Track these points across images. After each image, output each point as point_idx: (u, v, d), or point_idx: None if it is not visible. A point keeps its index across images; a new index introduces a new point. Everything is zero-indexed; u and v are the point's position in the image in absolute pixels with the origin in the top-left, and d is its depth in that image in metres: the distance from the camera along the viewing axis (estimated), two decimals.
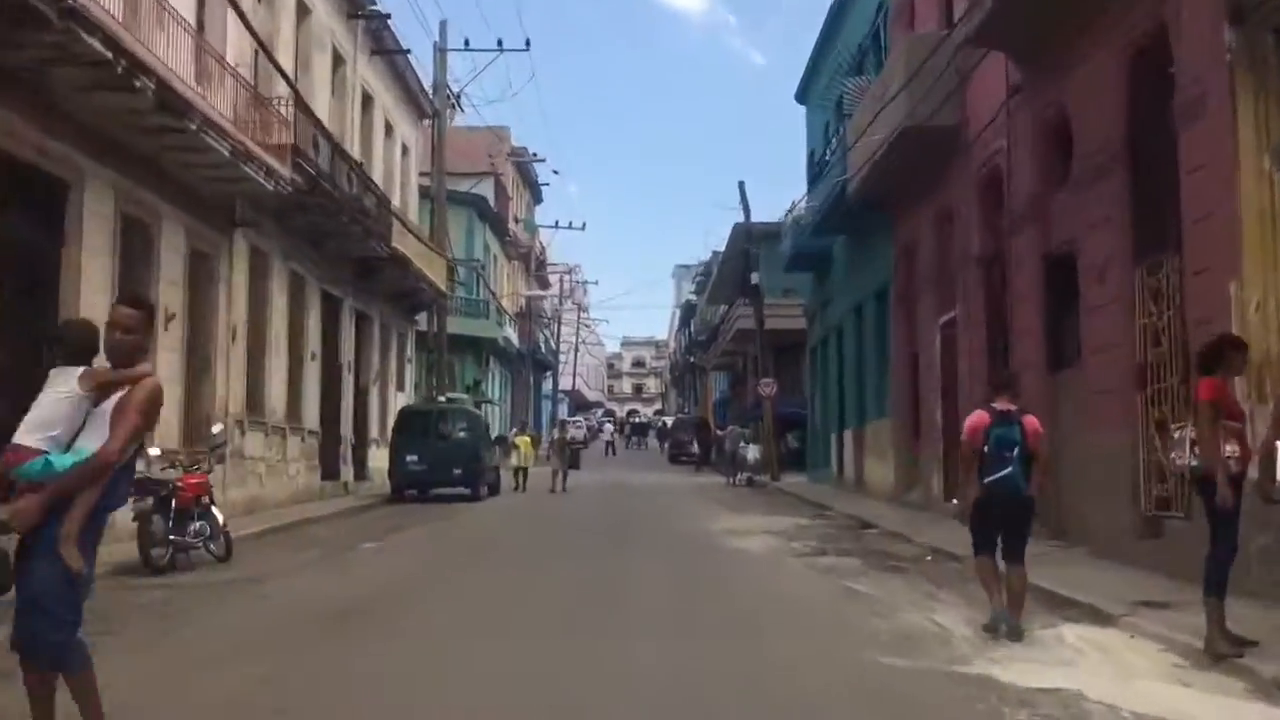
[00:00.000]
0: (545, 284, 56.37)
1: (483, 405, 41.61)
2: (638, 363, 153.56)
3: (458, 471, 22.45)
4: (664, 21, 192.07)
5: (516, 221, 54.04)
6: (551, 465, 27.45)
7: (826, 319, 27.89)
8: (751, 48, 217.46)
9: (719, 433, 45.07)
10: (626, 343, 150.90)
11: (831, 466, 27.19)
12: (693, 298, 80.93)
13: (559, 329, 71.25)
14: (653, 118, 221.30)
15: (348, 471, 23.61)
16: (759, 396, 39.32)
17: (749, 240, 32.09)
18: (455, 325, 38.55)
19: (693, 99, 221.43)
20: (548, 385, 72.71)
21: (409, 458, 22.24)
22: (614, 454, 54.12)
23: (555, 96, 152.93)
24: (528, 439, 28.69)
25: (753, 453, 30.38)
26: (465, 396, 39.84)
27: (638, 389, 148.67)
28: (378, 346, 26.76)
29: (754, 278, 31.33)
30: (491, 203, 44.42)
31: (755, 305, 32.05)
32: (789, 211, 29.03)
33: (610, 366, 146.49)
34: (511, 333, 45.43)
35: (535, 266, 53.15)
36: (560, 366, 73.38)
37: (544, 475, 27.85)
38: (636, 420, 75.98)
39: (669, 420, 58.53)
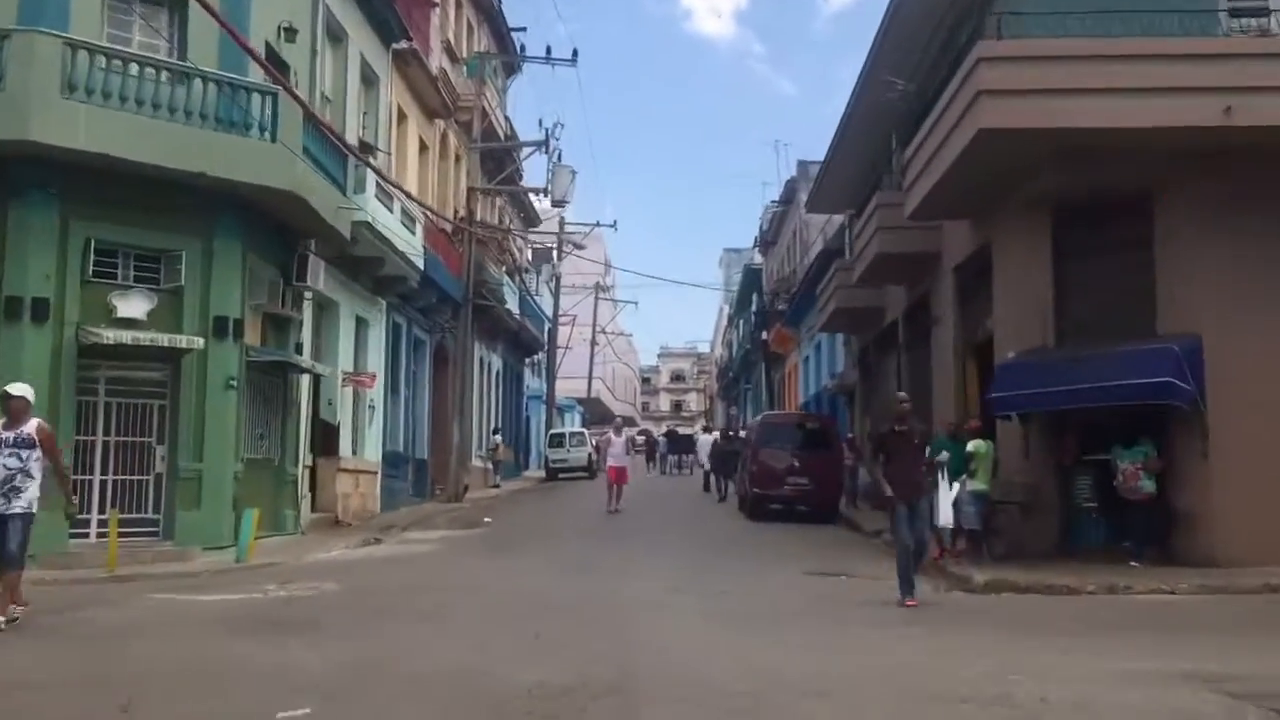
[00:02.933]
0: (504, 170, 30.98)
1: (288, 374, 16.52)
2: (677, 376, 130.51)
3: None
4: (692, 47, 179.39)
5: (455, 60, 29.08)
6: None
7: None
8: (780, 76, 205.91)
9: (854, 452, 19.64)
10: (664, 353, 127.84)
11: None
12: (756, 259, 55.59)
13: (557, 287, 45.94)
14: (681, 138, 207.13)
15: None
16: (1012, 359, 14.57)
17: None
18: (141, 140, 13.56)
19: (720, 121, 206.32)
20: (535, 383, 47.41)
21: None
22: (717, 493, 27.28)
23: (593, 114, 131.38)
24: None
25: None
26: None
27: (677, 406, 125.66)
28: None
29: None
30: None
31: None
32: None
33: (645, 381, 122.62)
34: (395, 224, 20.20)
35: (480, 136, 27.91)
36: (560, 360, 48.00)
37: None
38: (675, 433, 49.89)
39: (740, 429, 31.91)
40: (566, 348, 49.04)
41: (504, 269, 31.99)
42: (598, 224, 46.63)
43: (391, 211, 20.10)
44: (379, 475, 21.93)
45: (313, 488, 18.74)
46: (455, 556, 14.32)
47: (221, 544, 14.16)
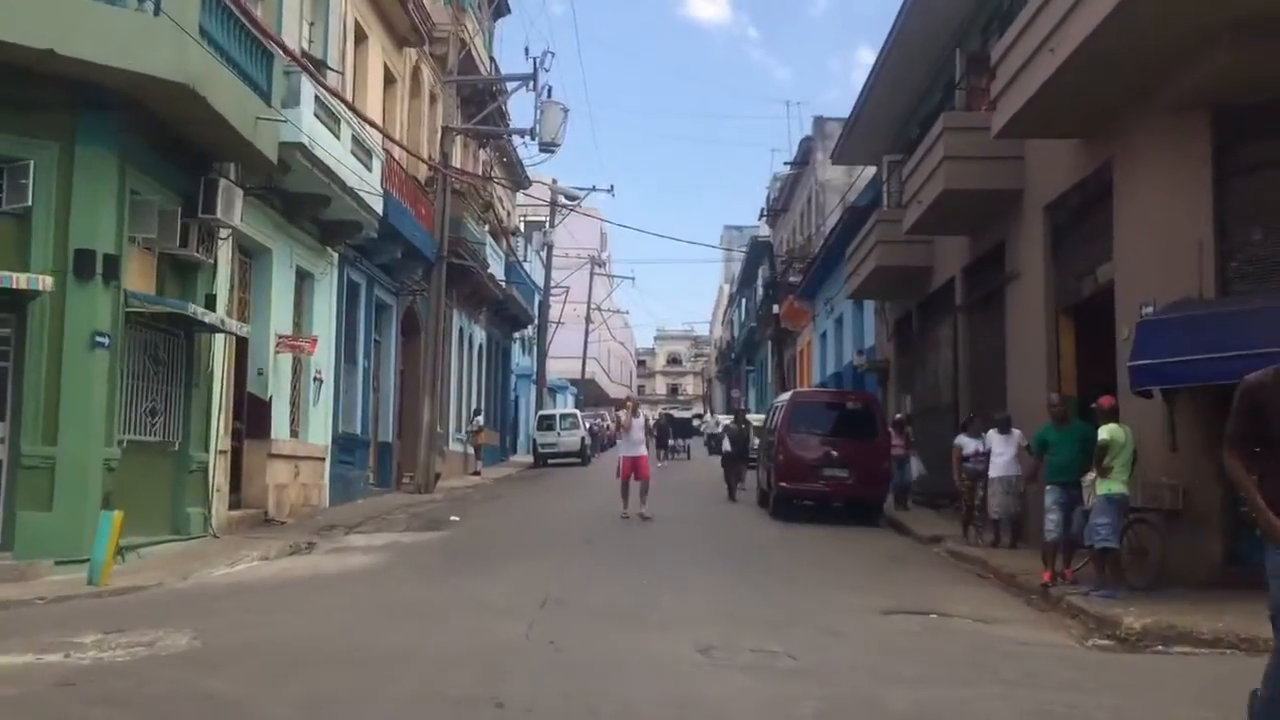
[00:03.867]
0: (482, 107, 26.95)
1: (192, 332, 12.79)
2: (673, 360, 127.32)
3: None
4: (686, 32, 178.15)
5: None
6: None
7: None
8: (774, 61, 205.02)
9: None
10: (661, 336, 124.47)
11: None
12: (763, 230, 51.66)
13: (549, 255, 42.23)
14: (678, 119, 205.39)
15: None
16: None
17: None
18: None
19: (716, 106, 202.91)
20: (524, 361, 43.70)
21: None
22: (728, 488, 22.08)
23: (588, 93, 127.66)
24: None
25: None
26: None
27: (673, 390, 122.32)
28: None
29: None
30: None
31: None
32: None
33: (641, 364, 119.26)
34: (343, 154, 16.45)
35: (458, 68, 24.07)
36: (551, 336, 44.31)
37: None
38: (672, 417, 45.85)
39: (744, 412, 27.96)
40: (558, 323, 45.32)
41: (486, 228, 28.14)
42: (594, 188, 42.79)
43: (339, 138, 16.26)
44: (327, 462, 18.20)
45: (235, 478, 15.01)
46: (395, 579, 10.57)
47: (83, 556, 10.43)
